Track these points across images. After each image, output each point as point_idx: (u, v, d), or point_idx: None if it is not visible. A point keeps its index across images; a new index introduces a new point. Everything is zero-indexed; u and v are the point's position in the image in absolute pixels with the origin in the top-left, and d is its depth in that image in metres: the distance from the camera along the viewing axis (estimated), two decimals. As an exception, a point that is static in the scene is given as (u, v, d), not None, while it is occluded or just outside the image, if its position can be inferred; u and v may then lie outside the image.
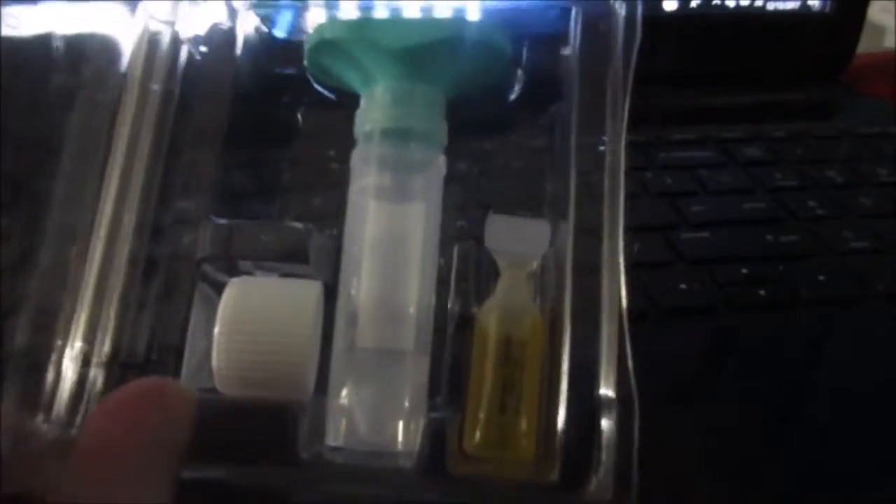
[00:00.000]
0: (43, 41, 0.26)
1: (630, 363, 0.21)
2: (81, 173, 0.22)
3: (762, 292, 0.35)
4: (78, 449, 0.17)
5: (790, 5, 0.50)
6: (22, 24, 0.27)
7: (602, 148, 0.23)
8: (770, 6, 0.50)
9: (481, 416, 0.21)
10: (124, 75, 0.24)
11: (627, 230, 0.37)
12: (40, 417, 0.20)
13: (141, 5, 0.25)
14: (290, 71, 0.26)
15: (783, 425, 0.31)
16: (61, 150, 0.23)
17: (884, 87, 0.52)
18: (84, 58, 0.24)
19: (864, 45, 0.52)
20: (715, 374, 0.33)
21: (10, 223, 0.23)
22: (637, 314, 0.34)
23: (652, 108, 0.44)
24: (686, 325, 0.34)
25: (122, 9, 0.25)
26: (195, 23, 0.25)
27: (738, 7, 0.50)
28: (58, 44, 0.26)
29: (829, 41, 0.52)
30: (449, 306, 0.23)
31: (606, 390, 0.21)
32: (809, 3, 0.50)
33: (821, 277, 0.36)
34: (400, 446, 0.21)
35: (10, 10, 0.27)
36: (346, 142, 0.24)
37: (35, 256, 0.22)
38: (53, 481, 0.16)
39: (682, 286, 0.35)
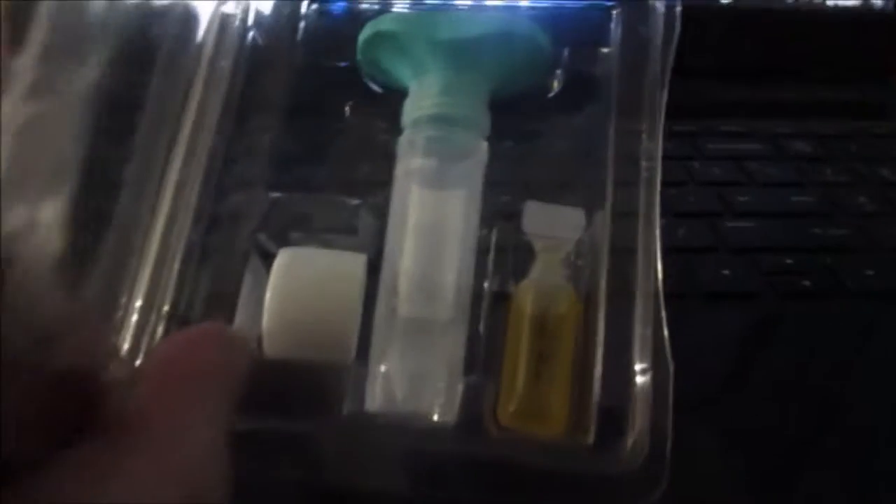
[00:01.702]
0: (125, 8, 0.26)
1: (666, 332, 0.21)
2: (153, 149, 0.23)
3: (806, 282, 0.34)
4: (146, 366, 0.18)
5: (851, 3, 0.48)
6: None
7: (639, 137, 0.23)
8: (830, 2, 0.48)
9: (516, 387, 0.22)
10: (199, 47, 0.24)
11: (672, 216, 0.36)
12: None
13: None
14: (343, 64, 0.26)
15: (818, 416, 0.30)
16: (139, 112, 0.23)
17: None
18: (164, 27, 0.24)
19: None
20: (753, 361, 0.32)
21: (86, 181, 0.23)
22: (677, 295, 0.33)
23: (702, 99, 0.44)
24: (727, 311, 0.33)
25: None
26: (260, 10, 0.26)
27: (798, 2, 0.48)
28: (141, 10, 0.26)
29: (889, 40, 0.49)
30: (486, 286, 0.23)
31: (642, 362, 0.21)
32: (872, 0, 0.47)
33: (868, 272, 0.34)
34: (436, 414, 0.22)
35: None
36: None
37: (109, 216, 0.22)
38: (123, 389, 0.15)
39: (725, 272, 0.34)
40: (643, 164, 0.23)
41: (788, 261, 0.34)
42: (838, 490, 0.27)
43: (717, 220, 0.37)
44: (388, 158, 0.24)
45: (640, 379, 0.20)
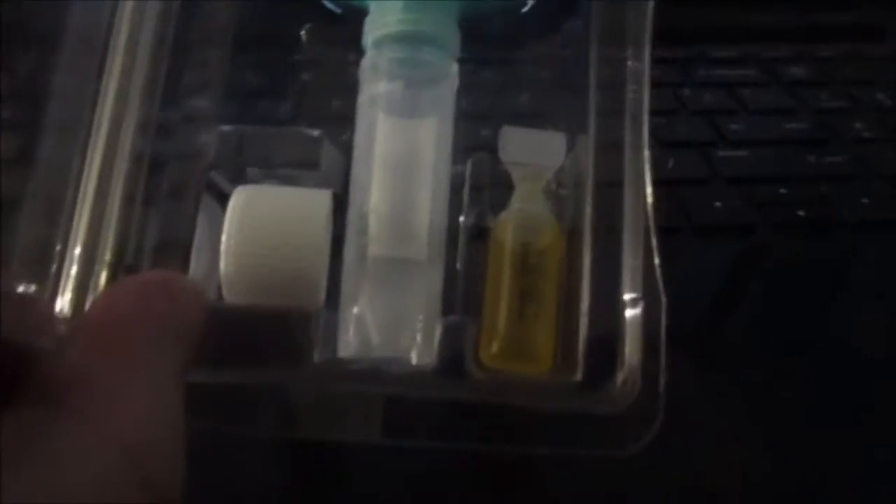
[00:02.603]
0: None
1: (657, 262, 0.20)
2: (81, 69, 0.20)
3: (801, 213, 0.32)
4: (84, 322, 0.16)
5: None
6: None
7: (623, 62, 0.21)
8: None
9: (499, 324, 0.20)
10: None
11: (662, 145, 0.35)
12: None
13: None
14: None
15: (814, 351, 0.29)
16: (61, 42, 0.21)
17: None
18: None
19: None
20: (747, 294, 0.31)
21: (10, 116, 0.21)
22: (669, 229, 0.32)
23: (692, 23, 0.42)
24: (721, 243, 0.32)
25: None
26: None
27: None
28: None
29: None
30: (462, 219, 0.22)
31: (631, 293, 0.19)
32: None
33: (864, 200, 0.33)
34: (414, 357, 0.20)
35: None
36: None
37: (35, 151, 0.20)
38: (56, 351, 0.14)
39: (718, 204, 0.32)
40: (629, 88, 0.22)
41: (783, 191, 0.33)
42: (836, 422, 0.27)
43: (710, 149, 0.35)
44: (352, 88, 0.22)
45: (629, 312, 0.19)
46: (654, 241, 0.19)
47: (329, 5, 0.24)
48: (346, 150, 0.22)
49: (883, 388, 0.27)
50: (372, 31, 0.22)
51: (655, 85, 0.38)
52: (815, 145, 0.36)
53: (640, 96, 0.21)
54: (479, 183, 0.22)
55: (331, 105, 0.26)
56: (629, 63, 0.22)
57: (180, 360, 0.16)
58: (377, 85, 0.22)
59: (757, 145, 0.36)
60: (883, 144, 0.36)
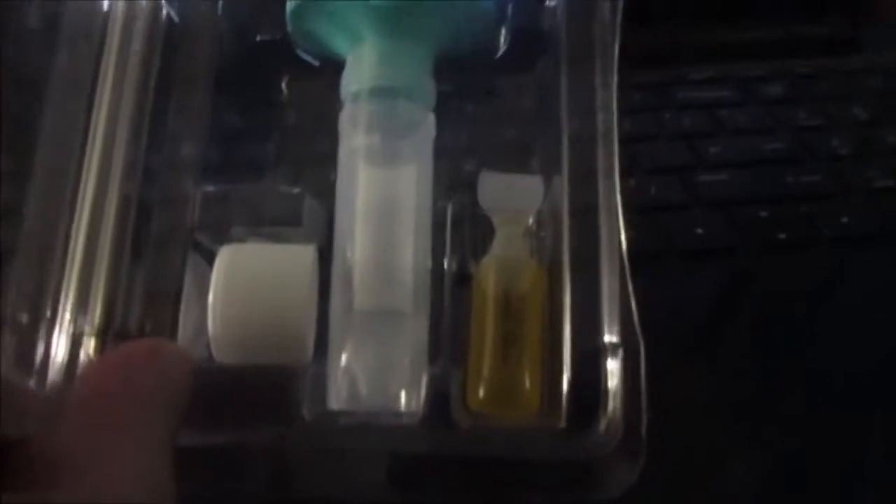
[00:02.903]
0: None
1: (634, 306, 0.20)
2: (69, 113, 0.21)
3: (782, 235, 0.33)
4: (70, 401, 0.17)
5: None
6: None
7: (593, 92, 0.22)
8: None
9: (484, 371, 0.21)
10: (105, 18, 0.22)
11: (643, 172, 0.35)
12: (32, 382, 0.19)
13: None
14: (273, 37, 0.25)
15: (803, 370, 0.29)
16: (48, 88, 0.21)
17: (912, 16, 0.47)
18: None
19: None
20: (733, 319, 0.32)
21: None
22: (652, 257, 0.32)
23: (669, 46, 0.42)
24: (704, 269, 0.32)
25: None
26: None
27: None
28: None
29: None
30: (445, 266, 0.22)
31: (610, 336, 0.20)
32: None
33: (843, 218, 0.33)
34: (403, 407, 0.21)
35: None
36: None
37: (25, 202, 0.20)
38: (43, 437, 0.15)
39: (699, 230, 0.33)
40: (600, 119, 0.22)
41: (763, 213, 0.34)
42: (827, 446, 0.27)
43: (689, 173, 0.36)
44: (335, 128, 0.23)
45: (610, 359, 0.19)
46: (629, 282, 0.20)
47: (306, 58, 0.25)
48: (333, 191, 0.23)
49: (875, 406, 0.28)
50: (348, 85, 0.23)
51: (635, 111, 0.39)
52: (793, 164, 0.37)
53: (610, 124, 0.22)
54: (461, 226, 0.23)
55: (315, 146, 0.27)
56: (598, 90, 0.22)
57: (168, 428, 0.16)
58: (356, 138, 0.22)
59: (736, 167, 0.36)
60: (859, 160, 0.37)
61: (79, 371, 0.19)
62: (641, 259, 0.21)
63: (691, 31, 0.45)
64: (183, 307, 0.21)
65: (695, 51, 0.45)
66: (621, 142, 0.22)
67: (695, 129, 0.38)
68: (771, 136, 0.38)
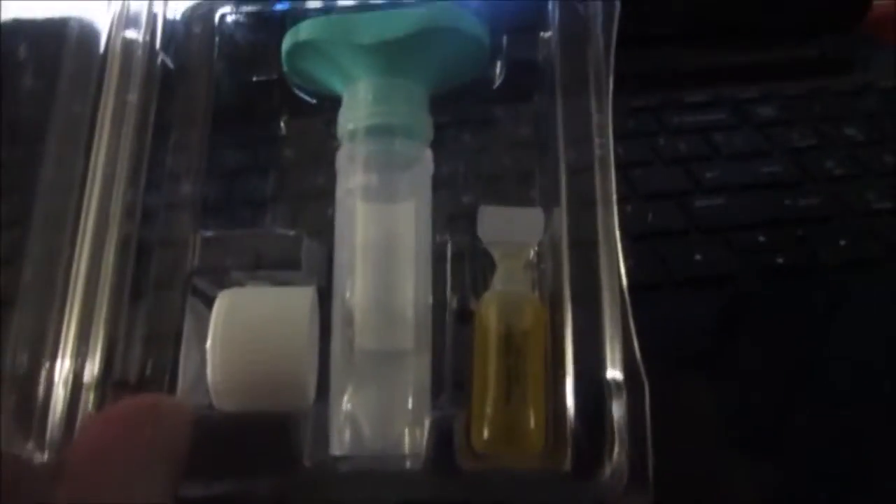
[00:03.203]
0: (22, 25, 0.24)
1: (636, 343, 0.20)
2: (66, 159, 0.21)
3: (781, 259, 0.33)
4: (69, 464, 0.16)
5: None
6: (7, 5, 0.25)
7: (589, 121, 0.22)
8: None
9: (487, 410, 0.20)
10: (101, 68, 0.22)
11: (640, 198, 0.35)
12: (31, 443, 0.18)
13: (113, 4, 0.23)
14: (270, 77, 0.25)
15: (806, 395, 0.29)
16: (46, 136, 0.21)
17: (902, 37, 0.48)
18: (60, 47, 0.22)
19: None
20: (734, 345, 0.31)
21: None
22: (652, 285, 0.32)
23: (662, 70, 0.43)
24: (703, 295, 0.32)
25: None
26: (170, 30, 0.24)
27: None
28: (36, 27, 0.24)
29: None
30: (447, 302, 0.22)
31: (613, 373, 0.20)
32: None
33: (842, 241, 0.33)
34: (406, 448, 0.20)
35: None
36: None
37: (24, 248, 0.20)
38: (45, 500, 0.14)
39: (698, 256, 0.33)
40: (595, 143, 0.22)
41: (761, 238, 0.34)
42: (827, 471, 0.27)
43: (687, 198, 0.36)
44: (331, 171, 0.23)
45: (615, 401, 0.19)
46: (631, 322, 0.20)
47: (302, 95, 0.25)
48: (332, 227, 0.22)
49: (879, 430, 0.28)
50: (345, 124, 0.22)
51: (631, 136, 0.39)
52: (790, 187, 0.37)
53: (607, 150, 0.22)
54: (461, 260, 0.23)
55: (313, 182, 0.26)
56: (594, 115, 0.22)
57: (169, 483, 0.16)
58: (354, 176, 0.22)
59: (732, 191, 0.36)
60: (855, 181, 0.37)
61: (77, 428, 0.19)
62: (641, 286, 0.21)
63: (682, 54, 0.46)
64: (183, 352, 0.21)
65: (686, 74, 0.45)
66: (617, 168, 0.22)
67: (690, 154, 0.38)
68: (767, 159, 0.38)
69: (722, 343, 0.31)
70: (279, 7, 0.24)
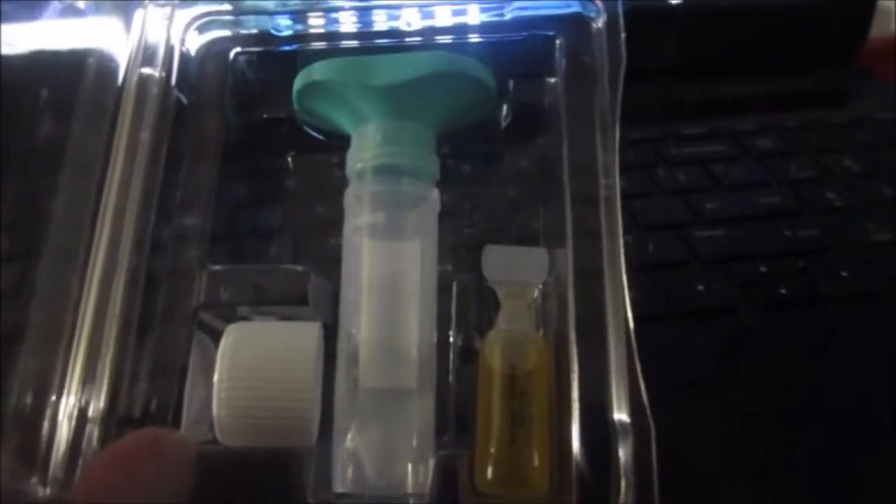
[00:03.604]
0: (38, 59, 0.24)
1: (642, 384, 0.20)
2: (78, 192, 0.21)
3: (782, 290, 0.33)
4: (72, 502, 0.16)
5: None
6: (18, 42, 0.26)
7: (595, 174, 0.22)
8: (781, -9, 0.47)
9: (491, 451, 0.20)
10: (117, 104, 0.22)
11: (640, 229, 0.35)
12: (35, 479, 0.18)
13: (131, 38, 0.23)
14: (280, 115, 0.25)
15: (808, 427, 0.29)
16: (59, 170, 0.21)
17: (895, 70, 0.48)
18: (80, 74, 0.22)
19: (872, 30, 0.48)
20: (736, 377, 0.31)
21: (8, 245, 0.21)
22: (653, 317, 0.32)
23: (659, 102, 0.43)
24: (705, 327, 0.32)
25: (116, 24, 0.23)
26: (184, 67, 0.25)
27: (748, -6, 0.47)
28: (52, 60, 0.24)
29: (841, 25, 0.49)
30: (451, 341, 0.22)
31: (620, 415, 0.20)
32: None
33: (843, 273, 0.33)
34: (410, 488, 0.20)
35: (7, 29, 0.25)
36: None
37: (34, 280, 0.20)
38: None
39: (700, 287, 0.33)
40: (602, 187, 0.22)
41: (762, 269, 0.34)
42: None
43: (686, 230, 0.36)
44: (338, 206, 0.23)
45: (621, 442, 0.19)
46: (637, 364, 0.19)
47: (312, 133, 0.25)
48: (335, 255, 0.23)
49: (880, 463, 0.27)
50: (354, 164, 0.23)
51: (630, 167, 0.40)
52: (790, 218, 0.37)
53: (613, 191, 0.22)
54: (466, 299, 0.23)
55: (317, 211, 0.27)
56: (600, 156, 0.22)
57: None
58: (361, 215, 0.22)
59: (733, 222, 0.36)
60: (855, 212, 0.37)
61: (80, 465, 0.19)
62: (642, 317, 0.21)
63: (680, 87, 0.46)
64: (188, 387, 0.21)
65: (684, 106, 0.45)
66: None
67: (690, 185, 0.39)
68: (766, 190, 0.38)
69: (724, 373, 0.31)
70: (288, 48, 0.25)
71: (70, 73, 0.24)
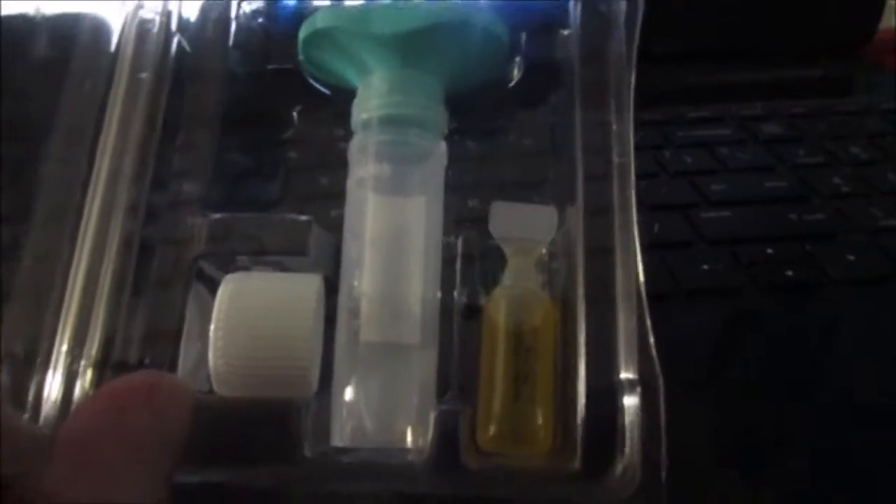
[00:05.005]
0: (31, 22, 0.24)
1: (652, 341, 0.19)
2: (70, 158, 0.20)
3: (789, 273, 0.32)
4: (60, 442, 0.16)
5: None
6: (9, 3, 0.25)
7: (608, 126, 0.21)
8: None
9: (494, 408, 0.20)
10: (114, 58, 0.22)
11: (646, 209, 0.35)
12: (26, 417, 0.18)
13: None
14: (285, 66, 0.24)
15: (810, 410, 0.28)
16: (51, 134, 0.21)
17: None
18: (74, 38, 0.22)
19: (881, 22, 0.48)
20: (739, 358, 0.31)
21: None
22: (658, 296, 0.31)
23: (669, 85, 0.42)
24: (709, 307, 0.31)
25: None
26: (187, 12, 0.24)
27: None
28: (47, 24, 0.23)
29: (851, 14, 0.48)
30: (455, 297, 0.22)
31: (627, 373, 0.19)
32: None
33: (849, 257, 0.33)
34: (409, 443, 0.20)
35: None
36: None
37: (25, 242, 0.20)
38: (35, 474, 0.14)
39: (705, 266, 0.32)
40: (615, 154, 0.22)
41: (768, 250, 0.33)
42: (831, 485, 0.26)
43: (692, 211, 0.35)
44: (339, 163, 0.23)
45: (627, 398, 0.18)
46: (647, 318, 0.19)
47: (318, 86, 0.24)
48: (336, 225, 0.22)
49: (884, 446, 0.27)
50: (359, 114, 0.22)
51: (636, 148, 0.39)
52: (796, 202, 0.36)
53: (626, 160, 0.21)
54: (471, 258, 0.22)
55: (319, 182, 0.26)
56: (614, 127, 0.22)
57: (163, 467, 0.15)
58: (366, 167, 0.22)
59: (739, 205, 0.36)
60: (861, 199, 0.37)
61: (73, 406, 0.18)
62: (647, 297, 0.20)
63: (687, 72, 0.46)
64: (185, 337, 0.20)
65: (691, 91, 0.45)
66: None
67: (696, 167, 0.38)
68: (772, 174, 0.38)
69: (727, 355, 0.31)
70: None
71: (66, 35, 0.23)
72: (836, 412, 0.28)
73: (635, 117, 0.42)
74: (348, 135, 0.23)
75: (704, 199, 0.36)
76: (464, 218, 0.22)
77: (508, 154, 0.25)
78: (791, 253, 0.33)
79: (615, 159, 0.22)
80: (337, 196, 0.22)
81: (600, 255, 0.20)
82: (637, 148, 0.39)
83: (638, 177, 0.37)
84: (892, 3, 0.57)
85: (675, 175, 0.37)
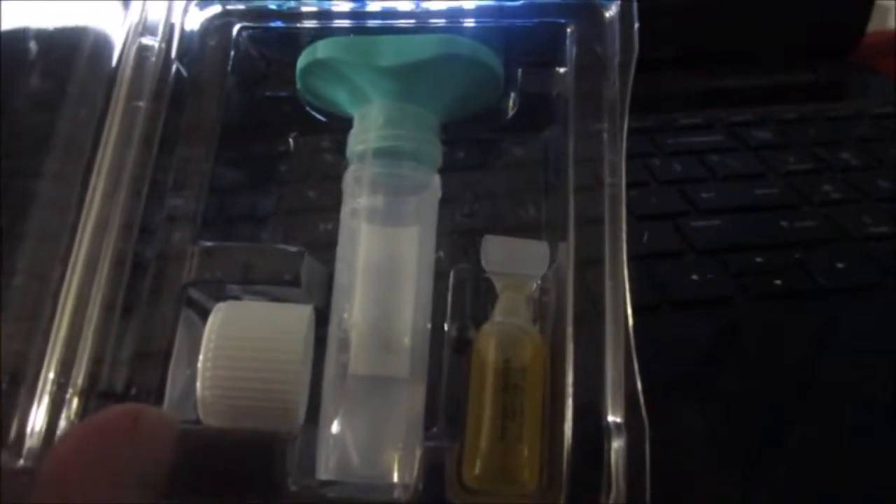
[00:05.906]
0: (31, 37, 0.23)
1: (639, 382, 0.18)
2: (65, 176, 0.20)
3: (778, 282, 0.31)
4: (44, 474, 0.15)
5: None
6: (9, 19, 0.24)
7: (601, 167, 0.20)
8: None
9: (481, 445, 0.19)
10: (111, 81, 0.21)
11: (635, 219, 0.34)
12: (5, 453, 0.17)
13: (131, 13, 0.22)
14: (282, 94, 0.23)
15: (803, 419, 0.28)
16: (46, 151, 0.20)
17: (893, 65, 0.47)
18: (73, 56, 0.21)
19: (870, 25, 0.47)
20: (730, 368, 0.30)
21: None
22: (648, 307, 0.31)
23: (658, 92, 0.41)
24: (699, 318, 0.31)
25: (115, 6, 0.22)
26: (186, 39, 0.23)
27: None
28: (45, 40, 0.23)
29: (839, 19, 0.47)
30: (446, 331, 0.21)
31: (614, 416, 0.18)
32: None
33: (839, 265, 0.32)
34: (395, 478, 0.19)
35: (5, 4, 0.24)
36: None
37: (15, 261, 0.19)
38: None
39: (694, 276, 0.31)
40: (606, 187, 0.21)
41: (758, 259, 0.32)
42: (821, 494, 0.26)
43: (682, 219, 0.34)
44: (331, 178, 0.22)
45: (615, 441, 0.17)
46: (634, 361, 0.18)
47: (314, 113, 0.24)
48: (329, 243, 0.21)
49: (875, 455, 0.26)
50: (355, 145, 0.21)
51: (626, 156, 0.38)
52: (786, 209, 0.35)
53: (618, 189, 0.21)
54: (462, 290, 0.21)
55: (310, 196, 0.25)
56: (606, 154, 0.21)
57: (147, 498, 0.15)
58: (360, 198, 0.21)
59: (728, 213, 0.35)
60: (851, 205, 0.36)
61: (57, 437, 0.18)
62: (636, 308, 0.20)
63: (677, 78, 0.45)
64: (173, 364, 0.19)
65: (681, 97, 0.44)
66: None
67: (686, 175, 0.37)
68: (762, 182, 0.37)
69: (718, 364, 0.30)
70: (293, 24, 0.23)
71: (65, 50, 0.23)
72: (827, 421, 0.27)
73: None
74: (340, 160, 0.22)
75: (694, 208, 0.35)
76: (454, 248, 0.22)
77: (502, 185, 0.25)
78: (781, 261, 0.32)
79: (607, 189, 0.21)
80: (326, 210, 0.22)
81: (589, 294, 0.19)
82: (627, 156, 0.39)
83: (627, 185, 0.36)
84: (885, 4, 0.56)
85: (664, 183, 0.37)
